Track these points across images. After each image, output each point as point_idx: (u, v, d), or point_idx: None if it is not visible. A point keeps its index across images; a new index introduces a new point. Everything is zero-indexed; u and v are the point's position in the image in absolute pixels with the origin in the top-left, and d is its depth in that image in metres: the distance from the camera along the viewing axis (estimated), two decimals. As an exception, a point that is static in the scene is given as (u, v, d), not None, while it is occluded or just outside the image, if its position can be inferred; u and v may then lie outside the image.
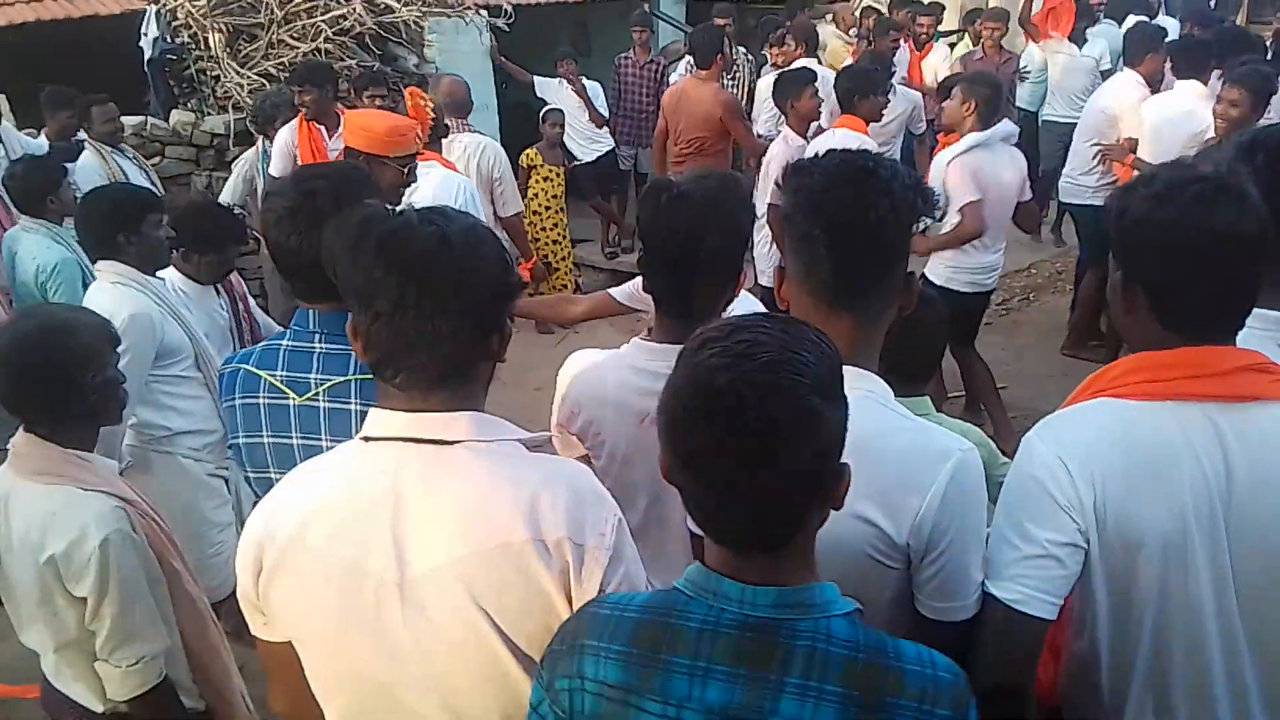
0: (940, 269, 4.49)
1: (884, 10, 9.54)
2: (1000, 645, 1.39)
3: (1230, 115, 4.43)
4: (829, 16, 9.08)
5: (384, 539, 1.28)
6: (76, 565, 1.94)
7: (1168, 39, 5.91)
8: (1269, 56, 5.66)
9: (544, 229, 6.55)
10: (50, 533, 1.95)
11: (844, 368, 1.42)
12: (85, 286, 3.44)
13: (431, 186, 4.02)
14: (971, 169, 4.24)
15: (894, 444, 1.38)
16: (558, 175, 6.55)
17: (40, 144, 5.38)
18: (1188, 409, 1.39)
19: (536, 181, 6.51)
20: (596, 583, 1.28)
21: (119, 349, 2.18)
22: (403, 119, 3.40)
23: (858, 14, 8.98)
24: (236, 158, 6.13)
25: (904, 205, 1.43)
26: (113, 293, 2.86)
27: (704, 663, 1.09)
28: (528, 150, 6.57)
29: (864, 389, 1.40)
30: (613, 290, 2.69)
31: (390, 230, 1.27)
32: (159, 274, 3.07)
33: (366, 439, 1.33)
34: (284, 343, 1.92)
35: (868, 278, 1.45)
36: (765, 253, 5.26)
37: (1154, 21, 7.40)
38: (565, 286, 6.70)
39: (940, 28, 9.03)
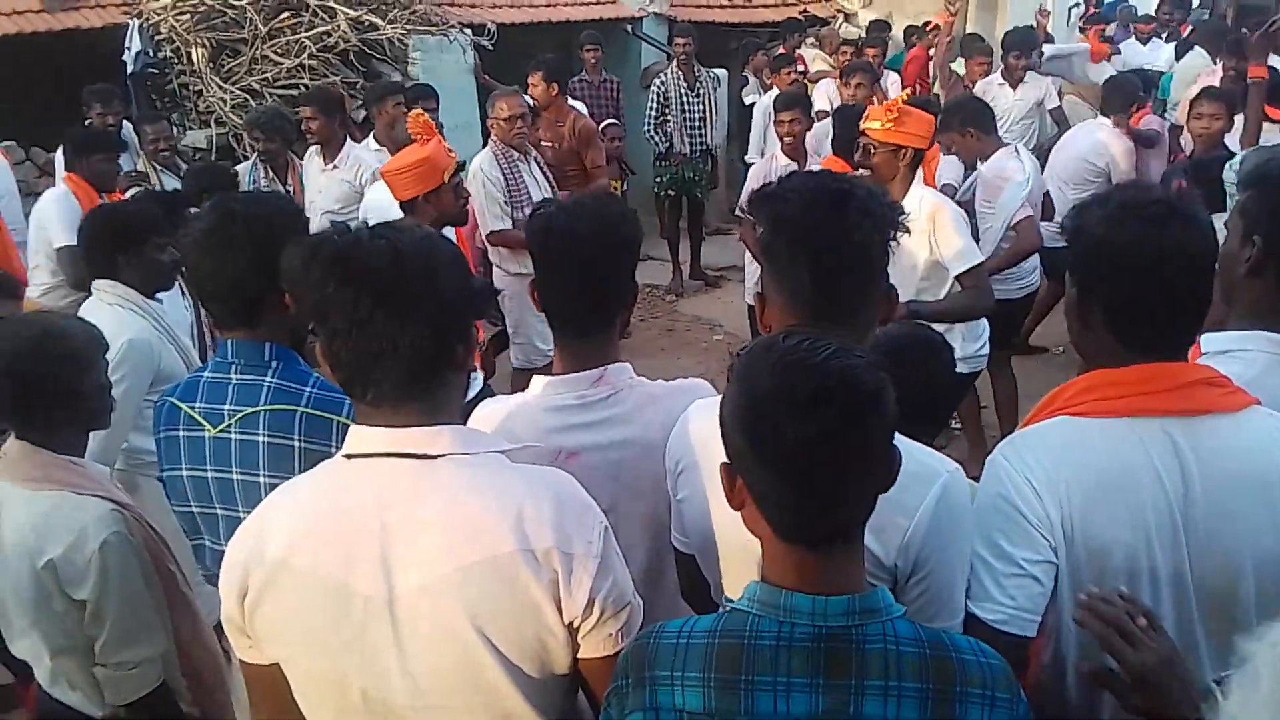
0: (997, 284, 4.50)
1: (863, 33, 9.70)
2: None
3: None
4: (811, 40, 9.19)
5: (371, 556, 1.28)
6: (76, 568, 1.95)
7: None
8: None
9: None
10: (48, 537, 1.96)
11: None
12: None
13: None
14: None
15: None
16: (617, 188, 6.60)
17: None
18: (1146, 424, 1.44)
19: None
20: (586, 592, 1.29)
21: (115, 375, 2.20)
22: (421, 147, 3.45)
23: (839, 40, 9.11)
24: (219, 172, 6.12)
25: (884, 222, 1.48)
26: (109, 314, 2.82)
27: (784, 678, 1.14)
28: None
29: None
30: None
31: (341, 247, 1.28)
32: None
33: (349, 456, 1.33)
34: (205, 374, 1.94)
35: (855, 296, 1.48)
36: (754, 270, 5.31)
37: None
38: None
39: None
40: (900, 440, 1.45)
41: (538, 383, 1.80)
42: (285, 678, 1.38)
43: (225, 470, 1.89)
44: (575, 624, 1.32)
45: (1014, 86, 6.62)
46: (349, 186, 4.97)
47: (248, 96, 6.49)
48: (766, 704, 1.14)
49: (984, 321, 3.86)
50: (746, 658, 1.16)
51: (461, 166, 3.63)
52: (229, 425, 1.87)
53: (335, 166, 5.07)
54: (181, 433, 1.92)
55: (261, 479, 1.85)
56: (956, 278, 3.44)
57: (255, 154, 5.32)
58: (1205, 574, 1.43)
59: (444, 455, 1.30)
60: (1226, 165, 3.44)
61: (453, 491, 1.29)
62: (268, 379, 1.87)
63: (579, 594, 1.29)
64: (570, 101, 7.42)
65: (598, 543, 1.31)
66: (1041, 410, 1.57)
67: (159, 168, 5.26)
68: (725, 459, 1.22)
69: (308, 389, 1.87)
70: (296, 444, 1.84)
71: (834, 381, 1.11)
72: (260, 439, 1.85)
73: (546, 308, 1.78)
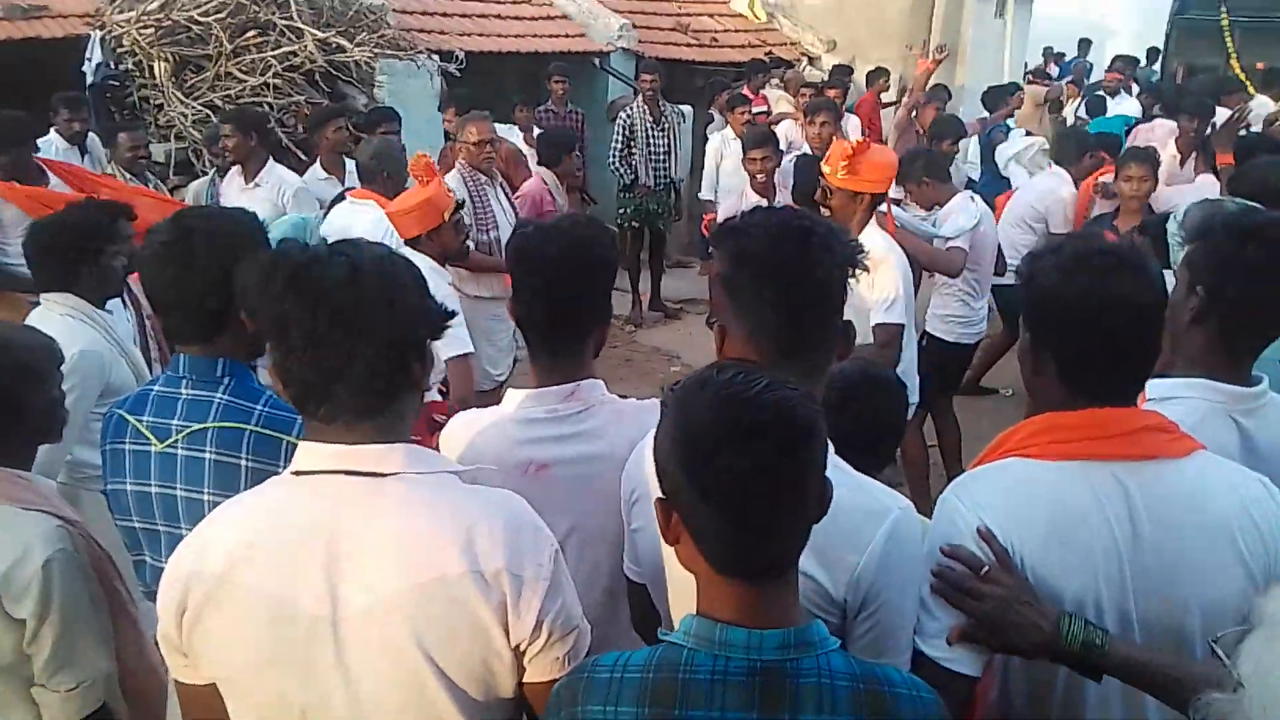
0: (952, 328, 4.73)
1: (825, 76, 9.87)
2: None
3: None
4: (776, 81, 9.34)
5: (316, 575, 1.27)
6: (17, 586, 1.88)
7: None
8: None
9: None
10: None
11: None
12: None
13: (363, 225, 4.07)
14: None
15: (834, 499, 1.41)
16: None
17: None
18: (1096, 469, 1.47)
19: None
20: (534, 614, 1.29)
21: (65, 385, 2.15)
22: (422, 189, 3.64)
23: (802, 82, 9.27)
24: (177, 186, 6.04)
25: (844, 259, 1.50)
26: (60, 324, 2.75)
27: (719, 712, 1.14)
28: None
29: None
30: None
31: (300, 263, 1.27)
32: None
33: (298, 473, 1.32)
34: (155, 388, 1.91)
35: (815, 331, 1.49)
36: None
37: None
38: None
39: (884, 97, 9.40)
40: (854, 476, 1.48)
41: (512, 396, 1.85)
42: (221, 698, 1.35)
43: (169, 486, 1.85)
44: (522, 647, 1.31)
45: None
46: (270, 206, 4.89)
47: (209, 112, 6.42)
48: None
49: (915, 370, 3.88)
50: (681, 692, 1.15)
51: (460, 205, 3.77)
52: (176, 441, 1.84)
53: (257, 185, 5.04)
54: (128, 446, 1.89)
55: (206, 496, 1.82)
56: (873, 327, 3.45)
57: (214, 169, 5.27)
58: (1151, 612, 1.45)
59: (395, 474, 1.29)
60: (1170, 217, 3.57)
61: (403, 510, 1.28)
62: (218, 395, 1.84)
63: (528, 616, 1.29)
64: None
65: (548, 564, 1.31)
66: (992, 451, 1.59)
67: (130, 176, 5.24)
68: (660, 494, 1.22)
69: (259, 407, 1.84)
70: (244, 462, 1.81)
71: (769, 415, 1.13)
72: (207, 456, 1.82)
73: (521, 325, 1.85)
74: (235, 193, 5.07)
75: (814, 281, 1.46)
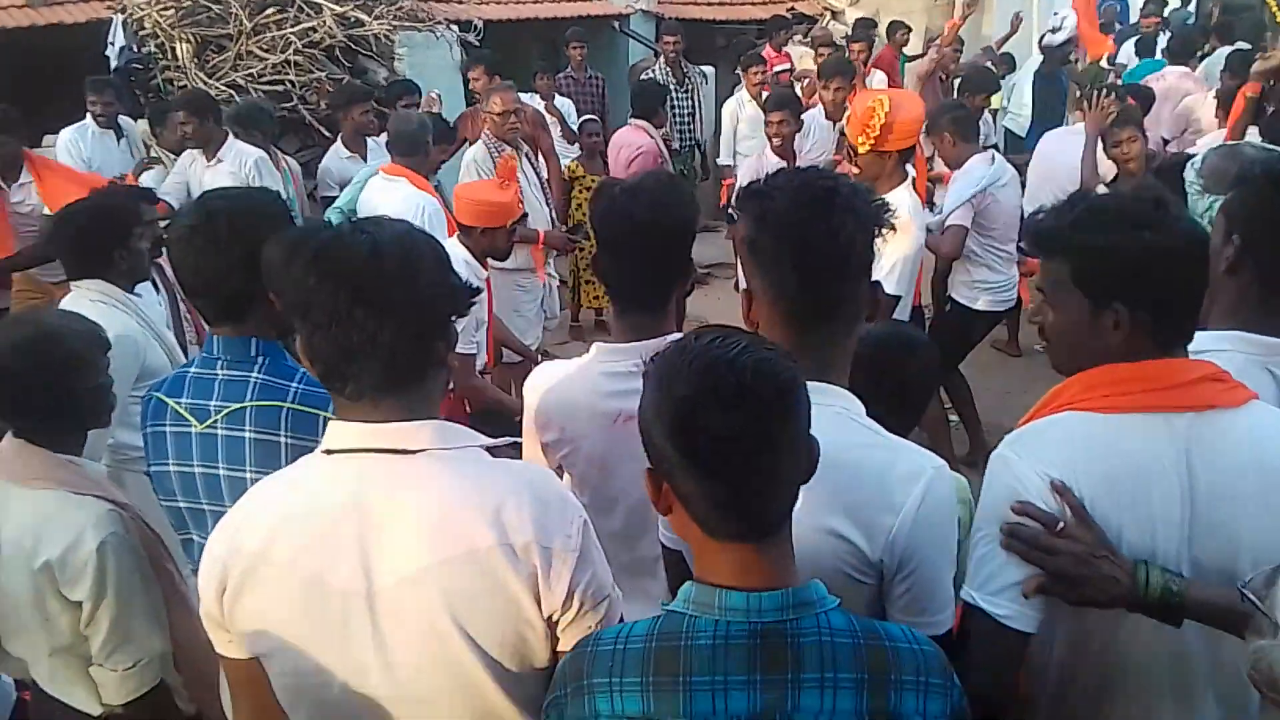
0: (974, 293, 4.67)
1: (850, 31, 9.69)
2: (987, 658, 1.43)
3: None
4: (798, 38, 9.19)
5: (350, 552, 1.29)
6: (72, 570, 1.93)
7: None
8: None
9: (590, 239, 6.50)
10: (44, 538, 1.94)
11: (818, 384, 1.46)
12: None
13: (393, 204, 4.07)
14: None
15: (867, 460, 1.41)
16: (577, 172, 6.53)
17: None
18: (1153, 420, 1.45)
19: (580, 193, 6.36)
20: (565, 585, 1.30)
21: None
22: (502, 190, 3.70)
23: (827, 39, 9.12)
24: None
25: (868, 220, 1.48)
26: (93, 310, 2.74)
27: (722, 676, 1.14)
28: (569, 163, 6.53)
29: (837, 405, 1.44)
30: None
31: (321, 242, 1.28)
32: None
33: (328, 451, 1.34)
34: (192, 369, 1.94)
35: (839, 294, 1.48)
36: None
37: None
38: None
39: (905, 50, 9.22)
40: (886, 436, 1.47)
41: (596, 348, 1.92)
42: (264, 672, 1.38)
43: (212, 466, 1.89)
44: (555, 617, 1.32)
45: None
46: (233, 180, 4.93)
47: (232, 92, 6.45)
48: (705, 703, 1.14)
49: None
50: (684, 658, 1.16)
51: (524, 217, 3.83)
52: (215, 421, 1.87)
53: (220, 161, 5.12)
54: (168, 428, 1.92)
55: (248, 475, 1.85)
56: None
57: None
58: (1204, 560, 1.44)
59: (423, 450, 1.31)
60: (1188, 164, 3.49)
61: (431, 486, 1.30)
62: (253, 375, 1.87)
63: (558, 587, 1.30)
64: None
65: (576, 536, 1.32)
66: (1044, 407, 1.56)
67: (174, 156, 5.29)
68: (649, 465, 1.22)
69: (294, 385, 1.86)
70: (283, 440, 1.84)
71: (747, 377, 1.13)
72: (246, 435, 1.85)
73: (607, 283, 1.94)
74: (200, 172, 5.14)
75: (835, 244, 1.44)
